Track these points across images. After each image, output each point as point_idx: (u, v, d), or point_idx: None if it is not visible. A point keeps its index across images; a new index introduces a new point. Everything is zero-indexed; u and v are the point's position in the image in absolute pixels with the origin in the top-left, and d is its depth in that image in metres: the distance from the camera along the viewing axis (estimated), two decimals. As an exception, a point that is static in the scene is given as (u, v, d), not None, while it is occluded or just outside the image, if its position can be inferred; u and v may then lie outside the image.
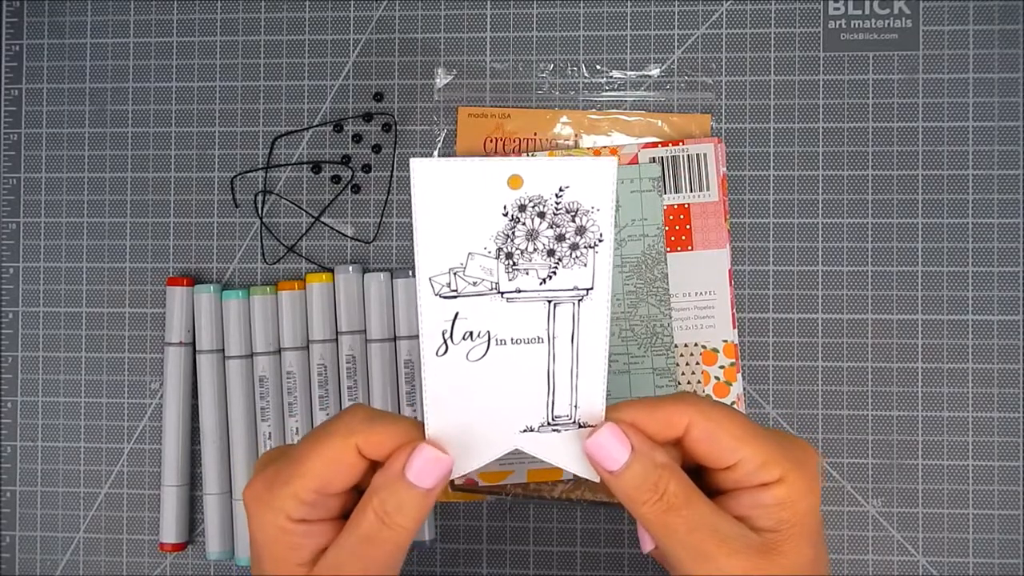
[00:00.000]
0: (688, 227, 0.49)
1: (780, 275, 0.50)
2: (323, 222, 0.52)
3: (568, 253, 0.32)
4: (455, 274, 0.32)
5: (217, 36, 0.53)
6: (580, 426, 0.34)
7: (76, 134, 0.54)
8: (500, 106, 0.51)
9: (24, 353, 0.53)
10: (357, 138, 0.52)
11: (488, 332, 0.33)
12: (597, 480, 0.34)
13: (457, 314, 0.32)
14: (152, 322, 0.53)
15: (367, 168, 0.52)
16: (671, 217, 0.49)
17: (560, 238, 0.32)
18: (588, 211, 0.32)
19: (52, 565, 0.53)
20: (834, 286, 0.50)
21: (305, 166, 0.53)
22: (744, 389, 0.50)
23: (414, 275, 0.50)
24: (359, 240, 0.52)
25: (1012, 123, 0.50)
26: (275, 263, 0.52)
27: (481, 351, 0.33)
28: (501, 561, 0.51)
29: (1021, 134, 0.50)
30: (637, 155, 0.49)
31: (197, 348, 0.51)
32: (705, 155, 0.49)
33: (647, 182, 0.49)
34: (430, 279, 0.32)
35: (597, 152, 0.49)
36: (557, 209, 0.32)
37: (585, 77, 0.51)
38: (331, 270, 0.51)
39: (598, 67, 0.51)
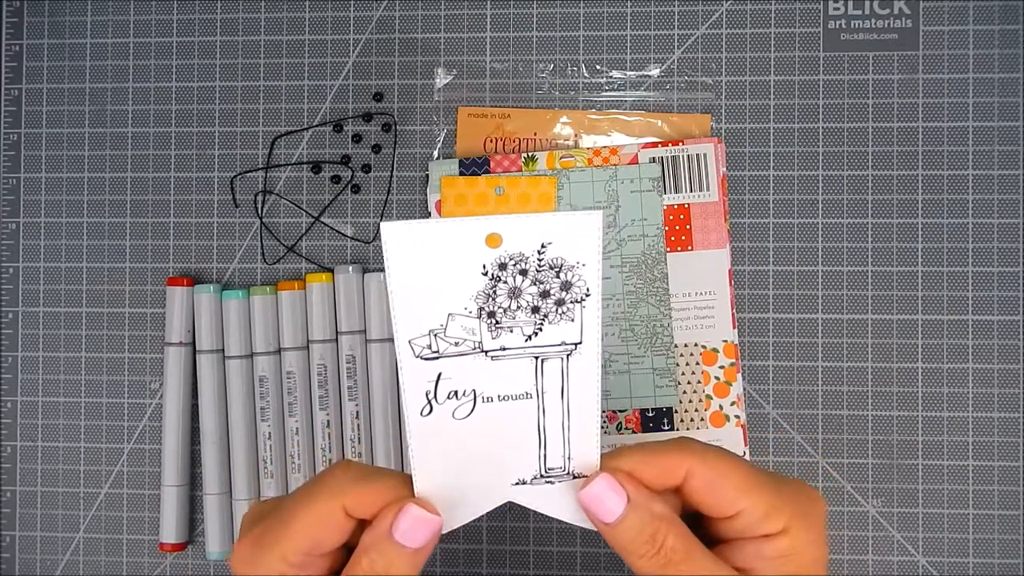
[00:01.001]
0: (688, 227, 0.49)
1: (780, 275, 0.50)
2: (323, 222, 0.52)
3: (554, 309, 0.31)
4: (435, 336, 0.31)
5: (217, 36, 0.53)
6: (574, 476, 0.33)
7: (76, 134, 0.54)
8: (500, 106, 0.51)
9: (24, 353, 0.53)
10: (357, 138, 0.52)
11: (474, 390, 0.32)
12: (594, 529, 0.32)
13: (440, 375, 0.31)
14: (152, 322, 0.53)
15: (367, 168, 0.52)
16: (671, 217, 0.49)
17: (545, 294, 0.31)
18: (573, 266, 0.31)
19: (52, 565, 0.53)
20: (834, 286, 0.50)
21: (305, 166, 0.53)
22: (744, 389, 0.50)
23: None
24: (359, 240, 0.52)
25: (1012, 123, 0.50)
26: (275, 263, 0.52)
27: (467, 409, 0.32)
28: (501, 561, 0.51)
29: (1021, 134, 0.50)
30: (637, 155, 0.49)
31: (197, 348, 0.51)
32: (705, 155, 0.49)
33: (647, 182, 0.49)
34: (409, 342, 0.31)
35: (597, 152, 0.49)
36: (540, 266, 0.31)
37: (585, 77, 0.51)
38: (331, 270, 0.51)
39: (598, 67, 0.51)
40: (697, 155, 0.49)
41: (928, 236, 0.50)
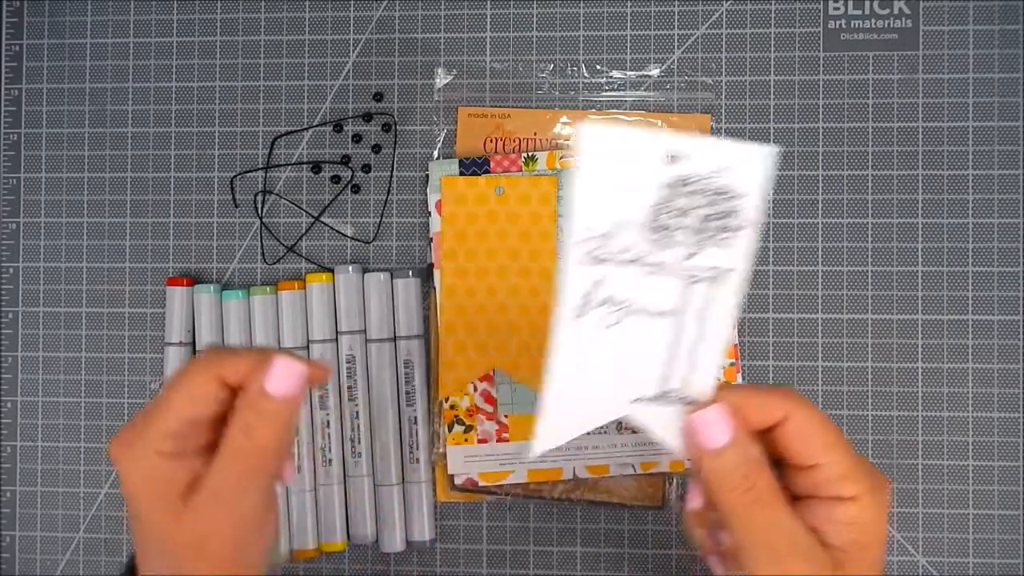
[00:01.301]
0: None
1: (780, 275, 0.50)
2: (323, 222, 0.52)
3: (714, 234, 0.32)
4: (605, 239, 0.32)
5: (217, 36, 0.53)
6: (688, 403, 0.34)
7: (76, 134, 0.54)
8: (500, 106, 0.51)
9: (24, 353, 0.53)
10: (357, 138, 0.52)
11: (625, 301, 0.33)
12: (685, 460, 0.35)
13: (600, 281, 0.32)
14: (152, 322, 0.53)
15: (367, 168, 0.52)
16: None
17: (709, 217, 0.32)
18: (739, 196, 0.31)
19: (52, 565, 0.53)
20: (834, 286, 0.50)
21: (305, 166, 0.53)
22: (744, 389, 0.49)
23: (414, 275, 0.50)
24: (359, 240, 0.52)
25: (1012, 123, 0.50)
26: (275, 263, 0.52)
27: (616, 318, 0.33)
28: (501, 561, 0.51)
29: (1021, 134, 0.50)
30: None
31: (197, 348, 0.51)
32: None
33: None
34: (579, 241, 0.31)
35: None
36: (709, 190, 0.31)
37: (585, 77, 0.51)
38: (331, 270, 0.51)
39: (598, 67, 0.51)
40: None
41: (928, 236, 0.50)
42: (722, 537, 0.36)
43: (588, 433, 0.46)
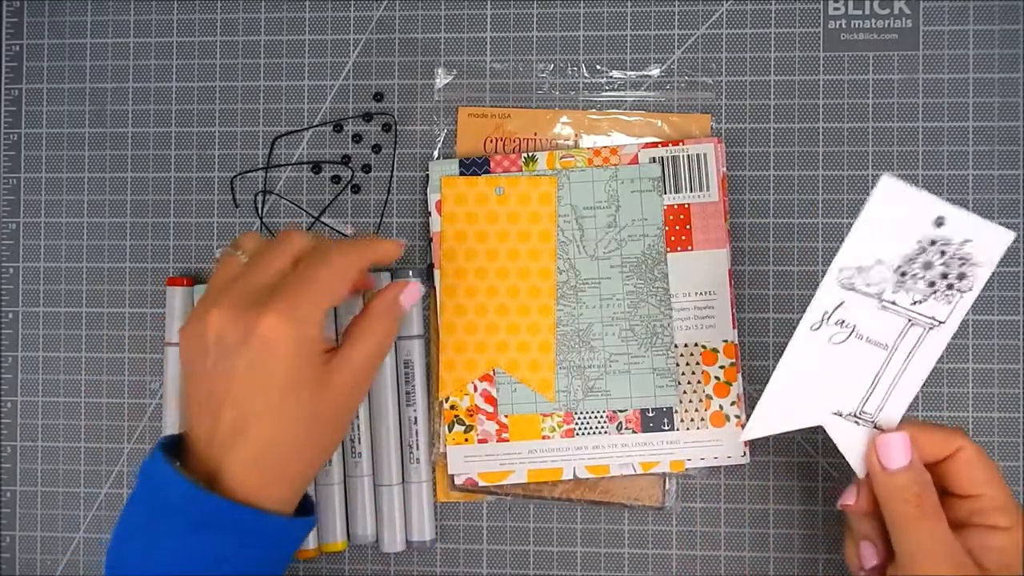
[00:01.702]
0: (688, 227, 0.49)
1: (780, 275, 0.50)
2: (323, 222, 0.52)
3: (943, 289, 0.39)
4: (859, 271, 0.39)
5: (217, 36, 0.53)
6: (875, 427, 0.41)
7: (76, 134, 0.54)
8: (500, 106, 0.51)
9: (24, 353, 0.53)
10: (357, 138, 0.52)
11: (855, 325, 0.40)
12: (861, 475, 0.40)
13: (843, 303, 0.39)
14: (152, 322, 0.53)
15: (367, 168, 0.52)
16: (671, 217, 0.49)
17: (944, 276, 0.39)
18: (975, 264, 0.38)
19: (52, 565, 0.53)
20: (834, 286, 0.50)
21: (305, 166, 0.53)
22: (744, 389, 0.49)
23: (414, 275, 0.50)
24: (359, 240, 0.52)
25: (1012, 123, 0.50)
26: (275, 263, 0.52)
27: (843, 337, 0.40)
28: (501, 561, 0.51)
29: (1021, 134, 0.50)
30: (637, 155, 0.49)
31: (197, 348, 0.51)
32: (705, 155, 0.49)
33: (647, 182, 0.49)
34: (840, 268, 0.39)
35: (597, 152, 0.49)
36: (955, 254, 0.38)
37: (585, 77, 0.51)
38: (331, 270, 0.51)
39: (598, 67, 0.51)
40: (697, 155, 0.49)
41: (928, 236, 0.50)
42: (864, 550, 0.42)
43: (588, 434, 0.48)
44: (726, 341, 0.49)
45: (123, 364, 0.53)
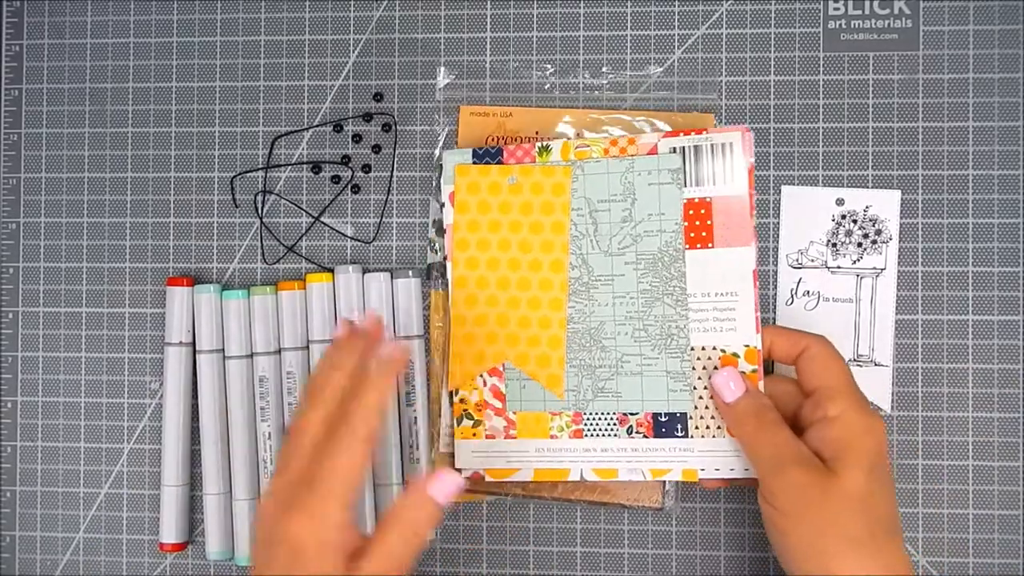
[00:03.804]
0: (709, 223, 0.46)
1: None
2: (323, 222, 0.52)
3: (869, 245, 0.49)
4: (801, 253, 0.49)
5: (217, 36, 0.53)
6: (876, 364, 0.49)
7: (76, 134, 0.53)
8: (501, 105, 0.51)
9: (24, 353, 0.53)
10: (357, 138, 0.52)
11: (819, 292, 0.49)
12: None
13: (800, 279, 0.49)
14: (152, 322, 0.53)
15: (367, 168, 0.52)
16: (691, 212, 0.46)
17: (865, 235, 0.49)
18: (882, 220, 0.49)
19: (52, 565, 0.53)
20: (834, 286, 0.50)
21: (305, 166, 0.53)
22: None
23: (414, 275, 0.50)
24: (359, 240, 0.52)
25: (1012, 123, 0.50)
26: (275, 263, 0.52)
27: (813, 304, 0.49)
28: (501, 561, 0.51)
29: (1021, 134, 0.50)
30: (657, 145, 0.47)
31: (197, 348, 0.51)
32: (731, 145, 0.46)
33: (666, 174, 0.47)
34: (786, 256, 0.50)
35: (614, 142, 0.47)
36: (864, 218, 0.49)
37: (586, 77, 0.51)
38: (331, 270, 0.51)
39: (598, 67, 0.51)
40: (723, 145, 0.46)
41: (928, 236, 0.50)
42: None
43: (597, 436, 0.48)
44: (748, 346, 0.46)
45: (123, 364, 0.53)
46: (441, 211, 0.49)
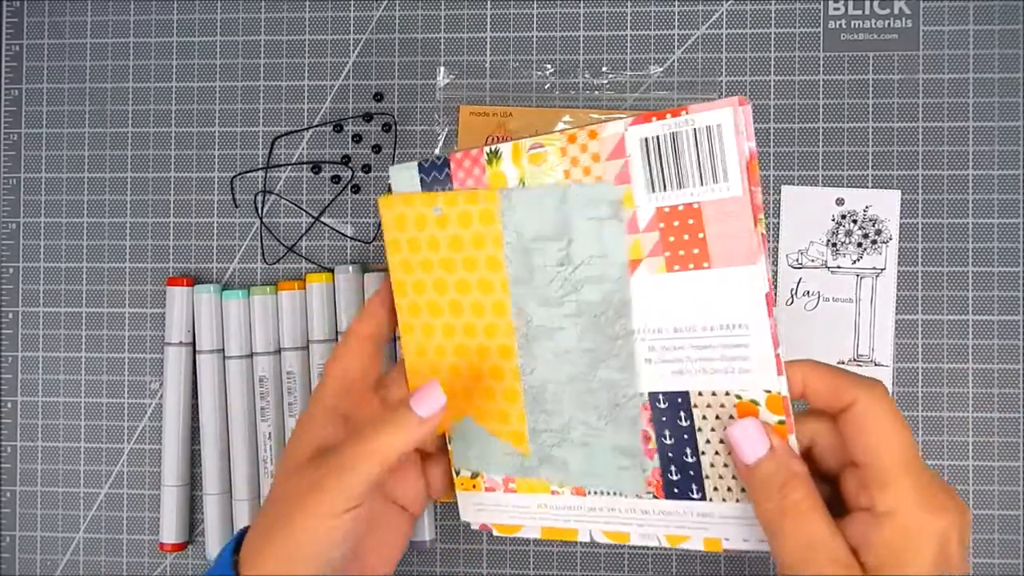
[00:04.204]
0: (701, 236, 0.35)
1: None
2: (323, 222, 0.52)
3: (869, 245, 0.49)
4: (801, 253, 0.50)
5: (217, 36, 0.53)
6: (876, 364, 0.49)
7: (76, 134, 0.53)
8: (501, 105, 0.51)
9: (24, 353, 0.53)
10: (357, 138, 0.52)
11: (819, 292, 0.49)
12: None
13: (800, 279, 0.49)
14: (152, 322, 0.53)
15: (367, 168, 0.52)
16: (676, 223, 0.35)
17: (864, 235, 0.49)
18: (882, 220, 0.49)
19: (52, 565, 0.53)
20: (834, 286, 0.50)
21: (305, 166, 0.53)
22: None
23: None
24: (359, 240, 0.52)
25: (1012, 123, 0.50)
26: (275, 263, 0.52)
27: (813, 304, 0.49)
28: (501, 561, 0.51)
29: (1021, 134, 0.50)
30: (624, 137, 0.36)
31: (197, 348, 0.51)
32: (719, 127, 0.34)
33: (605, 206, 0.37)
34: (786, 256, 0.50)
35: (573, 138, 0.37)
36: (863, 218, 0.49)
37: (586, 77, 0.51)
38: (331, 270, 0.51)
39: (598, 67, 0.51)
40: (709, 128, 0.34)
41: (928, 236, 0.50)
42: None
43: (600, 493, 0.40)
44: (769, 391, 0.35)
45: (123, 364, 0.53)
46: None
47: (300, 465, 0.38)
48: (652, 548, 0.50)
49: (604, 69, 0.51)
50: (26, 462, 0.53)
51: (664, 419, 0.38)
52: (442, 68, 0.52)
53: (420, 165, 0.40)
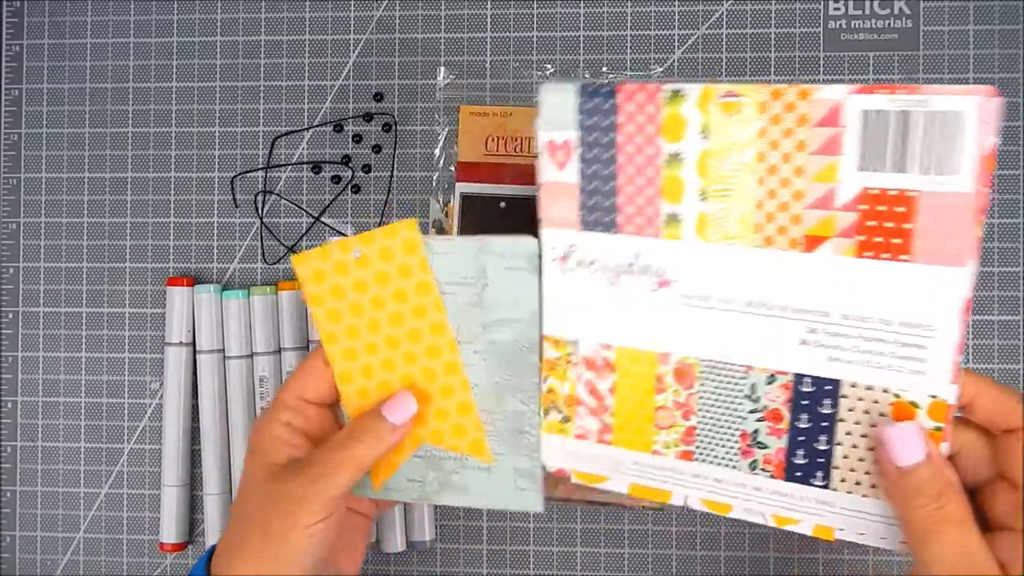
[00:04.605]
0: (908, 226, 0.33)
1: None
2: (323, 222, 0.52)
3: None
4: None
5: (217, 36, 0.53)
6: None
7: (76, 134, 0.54)
8: (501, 105, 0.51)
9: (24, 353, 0.53)
10: (357, 138, 0.52)
11: None
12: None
13: None
14: (152, 322, 0.53)
15: (367, 168, 0.52)
16: (881, 208, 0.33)
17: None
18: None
19: (52, 565, 0.53)
20: (834, 286, 0.50)
21: (305, 166, 0.53)
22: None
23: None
24: (359, 240, 0.52)
25: (1012, 123, 0.50)
26: (275, 263, 0.52)
27: None
28: (501, 561, 0.51)
29: (1021, 134, 0.50)
30: (841, 104, 0.33)
31: (197, 348, 0.51)
32: (960, 116, 0.32)
33: (521, 259, 0.39)
34: None
35: (777, 94, 0.34)
36: None
37: (586, 78, 0.51)
38: (331, 270, 0.51)
39: (599, 67, 0.51)
40: (946, 114, 0.32)
41: (928, 236, 0.50)
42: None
43: (711, 463, 0.39)
44: (935, 397, 0.34)
45: (123, 364, 0.53)
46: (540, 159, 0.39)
47: (269, 477, 0.38)
48: (651, 549, 0.50)
49: (604, 69, 0.51)
50: (26, 462, 0.53)
51: (805, 402, 0.37)
52: (442, 68, 0.52)
53: (583, 87, 0.37)
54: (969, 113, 0.31)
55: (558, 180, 0.38)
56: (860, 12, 0.50)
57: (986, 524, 0.34)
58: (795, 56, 0.51)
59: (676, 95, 0.35)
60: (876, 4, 0.50)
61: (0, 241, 0.54)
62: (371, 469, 0.41)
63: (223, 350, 0.51)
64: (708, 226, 0.37)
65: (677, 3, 0.51)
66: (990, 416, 0.34)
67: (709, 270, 0.37)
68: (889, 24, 0.50)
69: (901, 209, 0.33)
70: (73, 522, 0.53)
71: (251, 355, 0.51)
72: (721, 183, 0.36)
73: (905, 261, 0.33)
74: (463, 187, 0.50)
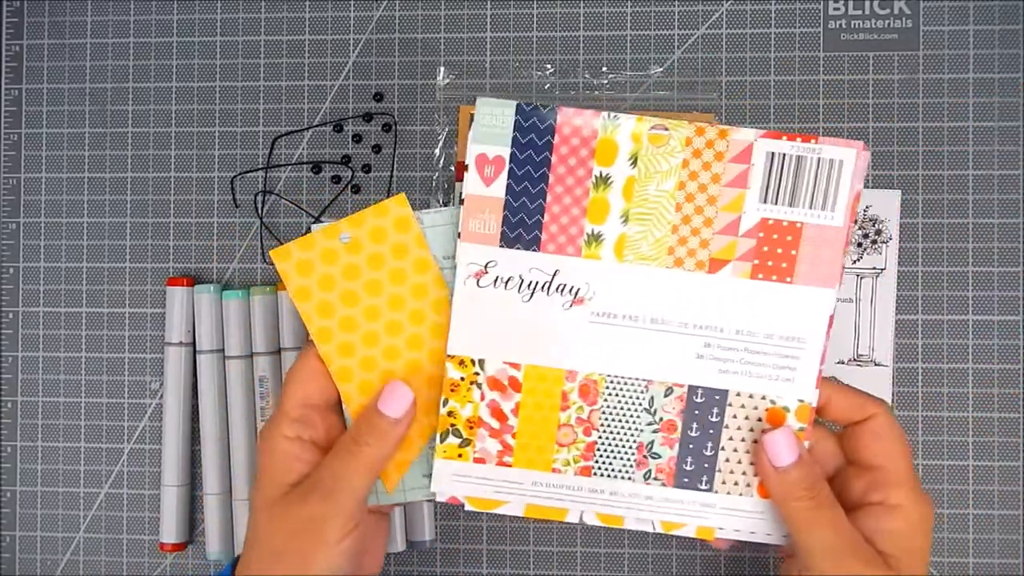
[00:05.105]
0: (794, 253, 0.39)
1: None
2: (323, 222, 0.52)
3: (869, 245, 0.49)
4: None
5: (217, 36, 0.53)
6: (876, 364, 0.48)
7: (76, 134, 0.54)
8: (500, 106, 0.51)
9: (24, 353, 0.53)
10: (357, 138, 0.52)
11: None
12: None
13: None
14: (152, 322, 0.53)
15: (367, 168, 0.52)
16: (774, 236, 0.39)
17: (864, 235, 0.49)
18: (882, 220, 0.49)
19: (52, 565, 0.53)
20: (834, 286, 0.50)
21: (305, 166, 0.53)
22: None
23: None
24: (359, 240, 0.52)
25: (1012, 123, 0.50)
26: (275, 263, 0.52)
27: None
28: (501, 561, 0.51)
29: (1021, 134, 0.50)
30: (752, 146, 0.39)
31: (197, 348, 0.51)
32: (841, 163, 0.39)
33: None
34: None
35: (701, 131, 0.39)
36: (864, 219, 0.49)
37: (586, 77, 0.51)
38: (331, 270, 0.51)
39: (599, 67, 0.51)
40: (831, 161, 0.39)
41: (928, 236, 0.50)
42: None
43: (608, 476, 0.41)
44: (802, 401, 0.40)
45: (123, 364, 0.53)
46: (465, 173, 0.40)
47: (283, 501, 0.38)
48: (651, 549, 0.50)
49: (604, 69, 0.51)
50: (26, 462, 0.53)
51: (697, 412, 0.41)
52: (442, 68, 0.52)
53: (521, 106, 0.39)
54: (847, 161, 0.39)
55: (483, 194, 0.40)
56: (860, 12, 0.50)
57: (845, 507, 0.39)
58: (795, 56, 0.50)
59: (612, 122, 0.39)
60: (876, 4, 0.50)
61: (0, 241, 0.54)
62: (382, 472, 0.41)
63: (223, 350, 0.51)
64: (626, 247, 0.40)
65: (677, 3, 0.51)
66: (844, 412, 0.40)
67: (621, 289, 0.40)
68: (889, 24, 0.50)
69: (789, 238, 0.39)
70: (73, 522, 0.53)
71: (251, 355, 0.51)
72: (642, 207, 0.40)
73: (788, 283, 0.39)
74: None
